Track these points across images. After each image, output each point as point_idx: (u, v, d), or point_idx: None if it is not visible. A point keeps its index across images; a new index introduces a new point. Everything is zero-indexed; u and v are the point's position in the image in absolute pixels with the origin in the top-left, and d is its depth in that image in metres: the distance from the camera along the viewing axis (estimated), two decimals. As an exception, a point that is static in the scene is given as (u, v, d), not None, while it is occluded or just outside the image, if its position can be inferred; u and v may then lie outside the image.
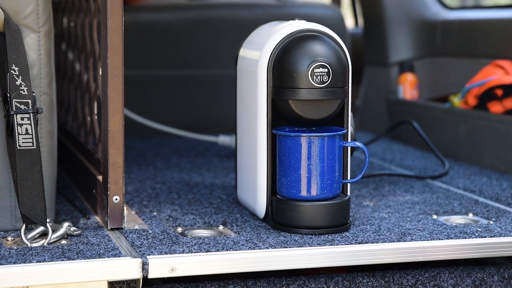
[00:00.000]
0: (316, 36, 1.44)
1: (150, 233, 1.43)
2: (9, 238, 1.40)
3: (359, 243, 1.38)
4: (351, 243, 1.38)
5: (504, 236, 1.44)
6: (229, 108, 1.64)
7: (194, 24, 2.63)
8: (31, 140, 1.36)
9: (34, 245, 1.35)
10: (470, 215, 1.61)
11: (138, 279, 1.29)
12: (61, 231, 1.40)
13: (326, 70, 1.41)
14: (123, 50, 1.41)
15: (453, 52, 2.53)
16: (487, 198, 1.75)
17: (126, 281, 1.31)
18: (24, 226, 1.37)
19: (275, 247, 1.36)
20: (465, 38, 2.47)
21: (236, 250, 1.34)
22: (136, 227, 1.47)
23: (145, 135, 2.47)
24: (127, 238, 1.39)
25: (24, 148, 1.36)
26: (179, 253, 1.31)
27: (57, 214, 1.56)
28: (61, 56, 2.07)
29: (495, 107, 2.11)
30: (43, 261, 1.26)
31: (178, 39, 2.61)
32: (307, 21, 1.50)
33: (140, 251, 1.32)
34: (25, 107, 1.36)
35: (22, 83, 1.37)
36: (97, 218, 1.53)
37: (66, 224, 1.41)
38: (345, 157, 1.48)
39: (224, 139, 2.21)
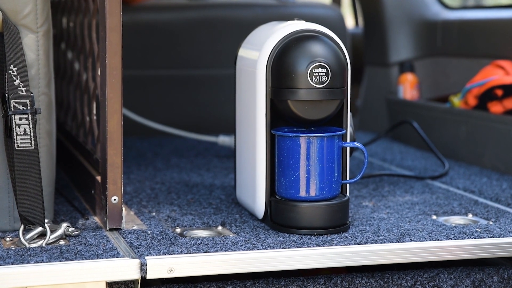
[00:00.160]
0: (315, 36, 1.44)
1: (149, 234, 1.42)
2: (8, 239, 1.40)
3: (358, 244, 1.38)
4: (350, 244, 1.38)
5: (503, 236, 1.44)
6: (229, 108, 1.64)
7: (194, 24, 2.63)
8: (29, 141, 1.36)
9: (32, 245, 1.35)
10: (470, 215, 1.61)
11: (137, 280, 1.29)
12: (59, 232, 1.39)
13: (325, 70, 1.40)
14: (122, 50, 1.41)
15: (454, 52, 2.52)
16: (487, 199, 1.74)
17: (125, 281, 1.31)
18: (22, 226, 1.37)
19: (274, 248, 1.35)
20: (465, 38, 2.47)
21: (234, 250, 1.34)
22: (135, 227, 1.47)
23: (145, 135, 2.47)
24: (126, 239, 1.39)
25: (23, 148, 1.35)
26: (178, 253, 1.31)
27: (56, 215, 1.56)
28: (60, 56, 2.07)
29: (495, 107, 2.10)
30: (41, 262, 1.25)
31: (178, 39, 2.61)
32: (306, 21, 1.50)
33: (138, 251, 1.32)
34: (24, 107, 1.36)
35: (21, 83, 1.37)
36: (96, 219, 1.53)
37: (64, 225, 1.41)
38: (344, 158, 1.48)
39: (224, 139, 2.20)
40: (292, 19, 1.51)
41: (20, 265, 1.24)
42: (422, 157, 2.24)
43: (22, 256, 1.28)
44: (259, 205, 1.49)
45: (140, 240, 1.38)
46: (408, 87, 2.57)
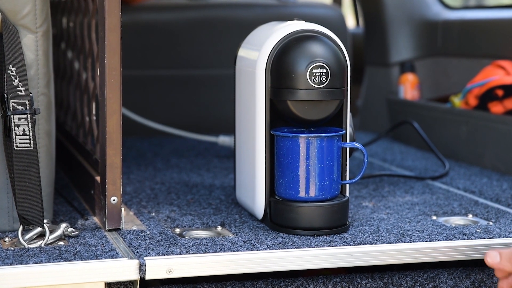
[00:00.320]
0: (314, 37, 1.44)
1: (148, 234, 1.42)
2: (7, 239, 1.40)
3: (358, 244, 1.38)
4: (349, 244, 1.38)
5: (503, 237, 1.44)
6: (229, 108, 1.64)
7: (195, 24, 2.63)
8: (28, 141, 1.36)
9: (31, 246, 1.35)
10: (470, 216, 1.60)
11: (136, 281, 1.29)
12: (58, 232, 1.39)
13: (325, 70, 1.40)
14: (121, 50, 1.40)
15: (454, 52, 2.52)
16: (487, 199, 1.74)
17: (124, 282, 1.30)
18: (21, 227, 1.36)
19: (273, 248, 1.35)
20: (466, 38, 2.47)
21: (234, 251, 1.34)
22: (134, 228, 1.47)
23: (145, 135, 2.46)
24: (125, 239, 1.39)
25: (22, 148, 1.35)
26: (177, 254, 1.31)
27: (56, 215, 1.56)
28: (60, 56, 2.07)
29: (496, 108, 2.10)
30: (40, 262, 1.25)
31: (178, 39, 2.61)
32: (307, 21, 1.49)
33: (137, 252, 1.32)
34: (23, 107, 1.36)
35: (20, 83, 1.36)
36: (95, 219, 1.53)
37: (63, 225, 1.41)
38: (343, 158, 1.48)
39: (224, 140, 2.20)
40: (292, 19, 1.51)
41: (18, 266, 1.24)
42: (423, 157, 2.23)
43: (21, 257, 1.28)
44: (259, 205, 1.49)
45: (139, 241, 1.38)
46: (408, 87, 2.57)
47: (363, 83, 2.81)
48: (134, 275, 1.27)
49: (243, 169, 1.56)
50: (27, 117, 1.36)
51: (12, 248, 1.33)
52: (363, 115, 2.80)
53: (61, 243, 1.38)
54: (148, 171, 2.01)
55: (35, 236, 1.38)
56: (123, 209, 1.46)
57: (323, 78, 1.40)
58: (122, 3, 1.37)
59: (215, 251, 1.33)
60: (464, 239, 1.42)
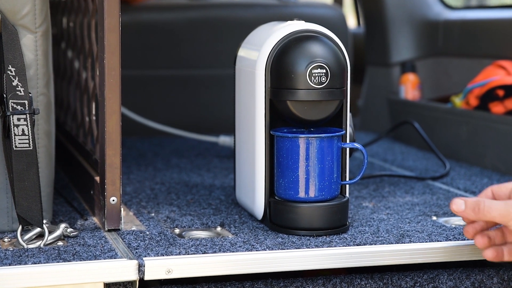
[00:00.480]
0: (314, 37, 1.43)
1: (147, 235, 1.42)
2: (6, 239, 1.40)
3: (357, 245, 1.38)
4: (349, 245, 1.37)
5: (503, 238, 1.43)
6: (229, 109, 1.63)
7: (195, 24, 2.63)
8: (27, 141, 1.36)
9: (30, 246, 1.35)
10: (470, 216, 1.60)
11: (135, 281, 1.29)
12: (57, 233, 1.39)
13: (324, 70, 1.40)
14: (120, 50, 1.40)
15: (455, 52, 2.52)
16: (488, 199, 1.73)
17: (123, 282, 1.30)
18: (20, 227, 1.36)
19: (272, 249, 1.35)
20: (467, 38, 2.46)
21: (233, 251, 1.33)
22: (134, 228, 1.47)
23: (145, 135, 2.46)
24: (124, 240, 1.39)
25: (21, 149, 1.35)
26: (176, 254, 1.31)
27: (55, 215, 1.56)
28: (60, 56, 2.07)
29: (497, 108, 2.10)
30: (38, 263, 1.25)
31: (179, 39, 2.61)
32: (308, 21, 1.49)
33: (136, 252, 1.31)
34: (22, 108, 1.36)
35: (19, 83, 1.36)
36: (95, 219, 1.53)
37: (63, 225, 1.40)
38: (343, 158, 1.48)
39: (224, 140, 2.20)
40: (293, 20, 1.50)
41: (17, 266, 1.24)
42: (423, 158, 2.23)
43: (20, 257, 1.28)
44: (258, 205, 1.49)
45: (139, 241, 1.38)
46: (409, 87, 2.57)
47: (364, 83, 2.81)
48: (133, 276, 1.27)
49: (242, 169, 1.56)
50: (26, 117, 1.36)
51: (11, 249, 1.33)
52: (363, 115, 2.79)
53: (60, 243, 1.37)
54: (148, 171, 2.01)
55: (34, 237, 1.38)
56: (122, 209, 1.45)
57: (323, 78, 1.40)
58: (123, 3, 1.37)
59: (214, 252, 1.33)
60: (464, 239, 1.42)
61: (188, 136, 2.26)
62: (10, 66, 1.36)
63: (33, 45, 1.42)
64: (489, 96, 2.11)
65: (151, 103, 2.59)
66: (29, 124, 1.36)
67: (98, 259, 1.28)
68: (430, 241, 1.40)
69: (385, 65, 2.67)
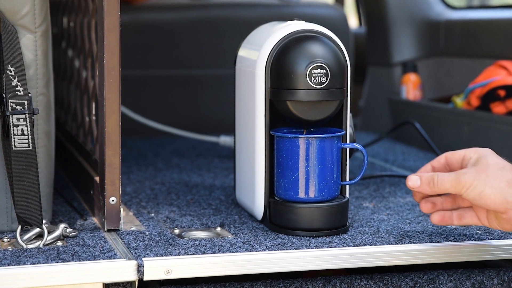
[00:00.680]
0: (314, 37, 1.43)
1: (147, 235, 1.42)
2: (5, 240, 1.40)
3: (357, 246, 1.37)
4: (349, 246, 1.37)
5: (504, 238, 1.43)
6: (230, 109, 1.63)
7: (196, 23, 2.62)
8: (27, 141, 1.35)
9: (29, 246, 1.35)
10: (471, 217, 1.60)
11: (134, 281, 1.28)
12: (57, 233, 1.39)
13: (324, 71, 1.39)
14: (120, 50, 1.40)
15: (457, 52, 2.51)
16: (488, 200, 1.73)
17: (122, 283, 1.30)
18: (19, 227, 1.36)
19: (272, 249, 1.35)
20: (468, 38, 2.46)
21: (232, 252, 1.33)
22: (133, 228, 1.47)
23: (146, 135, 2.46)
24: (124, 240, 1.39)
25: (20, 149, 1.35)
26: (175, 255, 1.31)
27: (55, 215, 1.56)
28: (61, 56, 2.07)
29: (498, 108, 2.09)
30: (37, 263, 1.25)
31: (180, 39, 2.61)
32: (309, 21, 1.49)
33: (136, 253, 1.31)
34: (21, 108, 1.36)
35: (18, 83, 1.36)
36: (94, 220, 1.53)
37: (62, 226, 1.40)
38: (343, 159, 1.47)
39: (225, 140, 2.20)
40: (293, 20, 1.50)
41: (16, 266, 1.24)
42: (425, 158, 2.23)
43: (19, 257, 1.27)
44: (258, 206, 1.48)
45: (138, 241, 1.38)
46: (411, 88, 2.56)
47: (365, 83, 2.81)
48: (132, 276, 1.27)
49: (242, 169, 1.56)
50: (26, 117, 1.36)
51: (10, 249, 1.33)
52: (365, 115, 2.79)
53: (59, 243, 1.37)
54: (148, 171, 2.01)
55: (33, 237, 1.38)
56: (122, 209, 1.45)
57: (323, 79, 1.40)
58: (124, 3, 1.37)
59: (214, 252, 1.32)
60: (464, 240, 1.41)
61: (189, 136, 2.26)
62: (9, 66, 1.36)
63: (32, 45, 1.42)
64: (490, 96, 2.10)
65: (151, 103, 2.59)
66: (28, 124, 1.36)
67: (97, 259, 1.28)
68: (430, 242, 1.40)
69: (386, 65, 2.66)
